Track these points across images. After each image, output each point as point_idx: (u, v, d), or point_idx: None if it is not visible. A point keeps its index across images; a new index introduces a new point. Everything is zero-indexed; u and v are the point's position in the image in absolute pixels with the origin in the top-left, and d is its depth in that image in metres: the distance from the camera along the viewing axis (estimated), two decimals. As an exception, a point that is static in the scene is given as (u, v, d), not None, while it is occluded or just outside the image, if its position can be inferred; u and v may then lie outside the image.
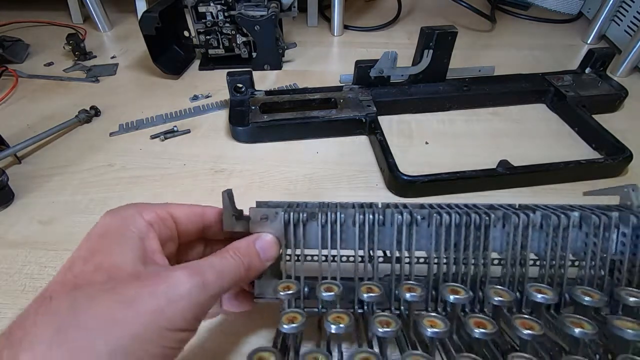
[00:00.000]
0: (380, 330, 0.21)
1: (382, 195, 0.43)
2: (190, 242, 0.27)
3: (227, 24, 0.62)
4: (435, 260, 0.26)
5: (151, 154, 0.49)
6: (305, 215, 0.25)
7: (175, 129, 0.52)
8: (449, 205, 0.27)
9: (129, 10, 0.84)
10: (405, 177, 0.42)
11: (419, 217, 0.25)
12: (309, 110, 0.51)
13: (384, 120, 0.51)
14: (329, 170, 0.47)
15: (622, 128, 0.50)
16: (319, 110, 0.51)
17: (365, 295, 0.23)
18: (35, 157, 0.49)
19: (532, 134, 0.52)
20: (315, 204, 0.27)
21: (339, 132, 0.51)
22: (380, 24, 0.81)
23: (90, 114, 0.55)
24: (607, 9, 0.70)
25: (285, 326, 0.22)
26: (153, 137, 0.52)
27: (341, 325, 0.21)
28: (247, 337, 0.31)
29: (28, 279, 0.35)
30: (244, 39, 0.63)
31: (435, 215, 0.25)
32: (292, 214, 0.25)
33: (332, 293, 0.23)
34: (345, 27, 0.80)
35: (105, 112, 0.57)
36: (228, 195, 0.25)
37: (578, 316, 0.21)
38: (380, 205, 0.27)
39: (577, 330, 0.20)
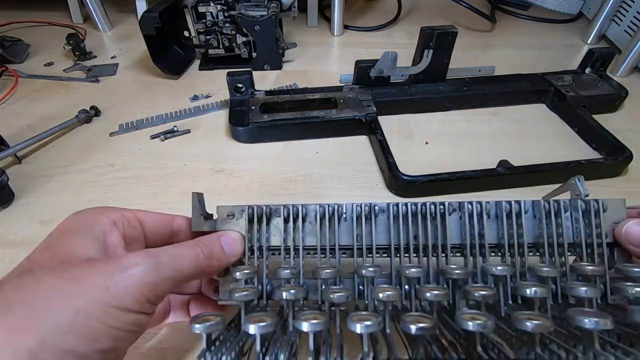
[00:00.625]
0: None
1: (382, 195, 0.43)
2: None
3: (227, 24, 0.62)
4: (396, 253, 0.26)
5: (151, 154, 0.49)
6: (269, 210, 0.26)
7: (175, 129, 0.52)
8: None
9: (129, 10, 0.84)
10: (405, 177, 0.42)
11: (377, 208, 0.26)
12: (309, 110, 0.51)
13: (384, 120, 0.51)
14: (329, 170, 0.47)
15: (622, 128, 0.50)
16: (319, 110, 0.51)
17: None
18: (35, 157, 0.49)
19: (532, 134, 0.52)
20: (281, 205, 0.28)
21: (339, 132, 0.51)
22: (380, 24, 0.81)
23: (90, 114, 0.55)
24: (607, 9, 0.70)
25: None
26: (153, 137, 0.52)
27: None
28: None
29: (28, 279, 0.35)
30: (244, 39, 0.63)
31: (392, 206, 0.26)
32: (256, 209, 0.26)
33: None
34: (345, 27, 0.80)
35: (105, 112, 0.57)
36: (198, 196, 0.26)
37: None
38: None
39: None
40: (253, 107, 0.52)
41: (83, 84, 0.63)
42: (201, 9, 0.60)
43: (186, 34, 0.66)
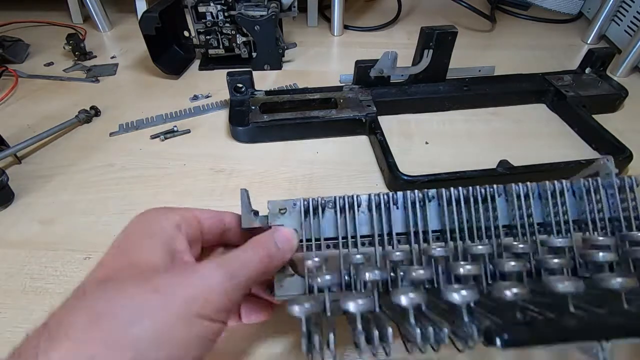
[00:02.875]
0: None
1: (382, 195, 0.43)
2: (212, 246, 0.27)
3: (227, 24, 0.62)
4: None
5: (151, 154, 0.49)
6: (322, 201, 0.27)
7: (175, 129, 0.52)
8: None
9: (129, 10, 0.84)
10: (405, 177, 0.42)
11: (429, 194, 0.27)
12: (309, 110, 0.51)
13: (384, 120, 0.51)
14: (329, 170, 0.47)
15: (622, 128, 0.50)
16: (319, 110, 0.51)
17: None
18: (35, 157, 0.49)
19: (532, 134, 0.52)
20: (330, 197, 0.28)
21: (339, 132, 0.51)
22: (380, 24, 0.81)
23: (90, 114, 0.55)
24: (607, 9, 0.70)
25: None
26: (153, 137, 0.52)
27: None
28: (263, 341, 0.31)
29: (28, 279, 0.35)
30: (244, 39, 0.63)
31: (444, 191, 0.27)
32: (311, 201, 0.27)
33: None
34: (345, 27, 0.80)
35: (105, 112, 0.57)
36: (246, 193, 0.26)
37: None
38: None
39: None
40: (253, 107, 0.52)
41: (83, 84, 0.63)
42: (201, 9, 0.60)
43: (186, 34, 0.66)
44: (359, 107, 0.51)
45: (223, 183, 0.45)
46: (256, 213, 0.27)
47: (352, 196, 0.27)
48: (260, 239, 0.24)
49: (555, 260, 0.24)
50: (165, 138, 0.51)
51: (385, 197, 0.28)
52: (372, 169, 0.47)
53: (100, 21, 0.79)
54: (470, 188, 0.28)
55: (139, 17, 0.60)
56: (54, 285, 0.35)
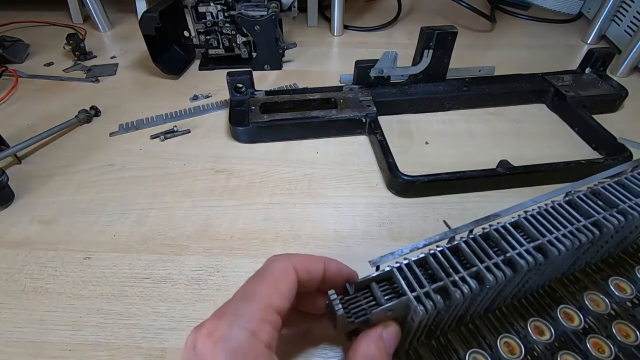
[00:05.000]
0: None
1: (382, 196, 0.43)
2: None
3: (227, 24, 0.62)
4: None
5: (151, 154, 0.49)
6: (439, 298, 0.22)
7: (175, 129, 0.52)
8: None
9: (129, 10, 0.85)
10: (405, 177, 0.42)
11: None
12: (309, 110, 0.51)
13: (384, 120, 0.51)
14: (329, 170, 0.47)
15: (622, 128, 0.50)
16: (319, 110, 0.51)
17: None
18: (35, 157, 0.49)
19: (532, 134, 0.52)
20: (436, 268, 0.24)
21: (339, 132, 0.51)
22: (380, 24, 0.81)
23: (90, 114, 0.55)
24: (607, 9, 0.70)
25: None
26: (153, 137, 0.52)
27: None
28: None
29: (28, 279, 0.35)
30: (244, 39, 0.63)
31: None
32: (428, 305, 0.22)
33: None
34: (345, 27, 0.80)
35: (105, 112, 0.57)
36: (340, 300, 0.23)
37: None
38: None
39: None
40: (253, 107, 0.52)
41: (83, 84, 0.63)
42: (201, 9, 0.60)
43: (186, 34, 0.66)
44: (359, 107, 0.51)
45: (223, 183, 0.45)
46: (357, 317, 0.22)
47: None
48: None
49: None
50: (165, 138, 0.51)
51: None
52: (372, 169, 0.47)
53: (100, 21, 0.79)
54: None
55: (139, 17, 0.60)
56: (54, 285, 0.35)
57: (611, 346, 0.26)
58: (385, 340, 0.22)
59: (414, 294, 0.22)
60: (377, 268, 0.24)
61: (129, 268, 0.36)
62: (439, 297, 0.22)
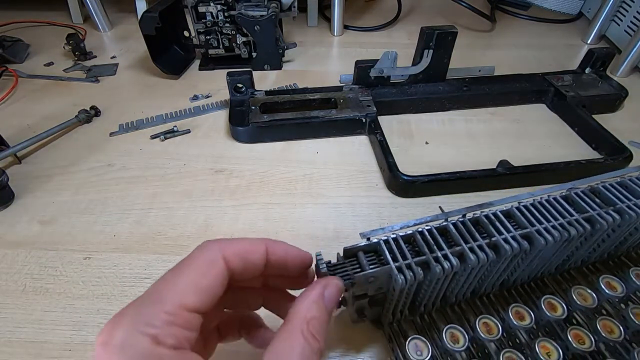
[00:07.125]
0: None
1: (382, 195, 0.43)
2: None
3: (227, 24, 0.62)
4: None
5: (151, 154, 0.49)
6: (420, 270, 0.24)
7: (175, 129, 0.52)
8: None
9: (129, 10, 0.85)
10: (405, 177, 0.42)
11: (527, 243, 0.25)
12: (309, 110, 0.51)
13: (384, 120, 0.51)
14: (329, 170, 0.47)
15: (622, 128, 0.50)
16: (319, 110, 0.51)
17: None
18: (35, 157, 0.49)
19: (532, 134, 0.52)
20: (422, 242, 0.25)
21: (339, 132, 0.51)
22: (380, 24, 0.81)
23: (90, 114, 0.55)
24: (607, 9, 0.70)
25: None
26: (153, 137, 0.52)
27: None
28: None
29: (28, 279, 0.35)
30: (244, 39, 0.63)
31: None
32: (408, 275, 0.23)
33: None
34: (345, 27, 0.80)
35: (105, 112, 0.57)
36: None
37: None
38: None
39: None
40: (253, 107, 0.52)
41: (83, 84, 0.63)
42: (201, 9, 0.60)
43: (186, 34, 0.66)
44: (359, 107, 0.51)
45: (223, 183, 0.45)
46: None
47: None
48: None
49: None
50: (165, 138, 0.51)
51: None
52: (372, 169, 0.47)
53: (100, 21, 0.79)
54: None
55: (139, 17, 0.60)
56: (54, 285, 0.35)
57: (592, 338, 0.26)
58: (326, 299, 0.21)
59: (396, 264, 0.24)
60: (368, 239, 0.25)
61: (129, 268, 0.36)
62: (420, 269, 0.24)
